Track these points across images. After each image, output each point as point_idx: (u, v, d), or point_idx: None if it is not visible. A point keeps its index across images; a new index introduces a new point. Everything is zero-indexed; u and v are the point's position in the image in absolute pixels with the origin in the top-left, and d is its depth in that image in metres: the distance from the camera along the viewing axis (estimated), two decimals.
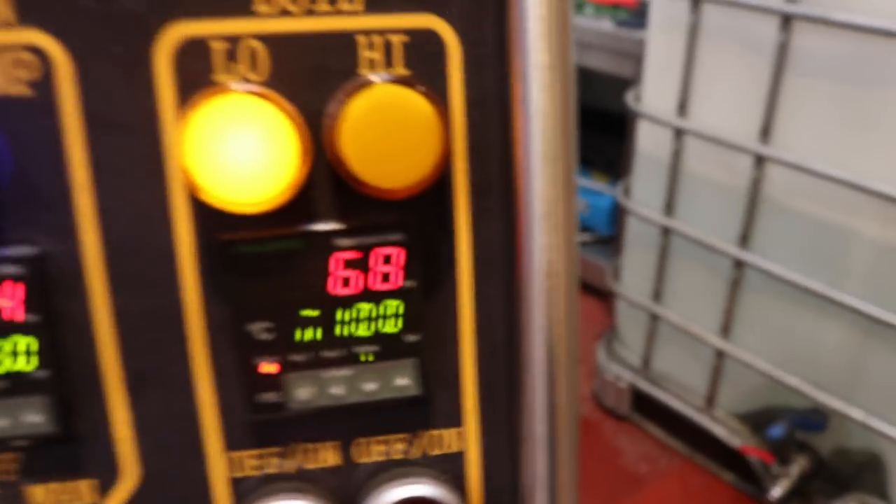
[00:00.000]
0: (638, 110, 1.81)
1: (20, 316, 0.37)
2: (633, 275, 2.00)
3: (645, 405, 2.00)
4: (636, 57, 1.92)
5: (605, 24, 2.15)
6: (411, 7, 0.37)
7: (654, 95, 1.84)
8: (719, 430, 1.82)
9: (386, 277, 0.39)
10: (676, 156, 1.77)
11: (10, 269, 0.37)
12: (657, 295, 1.89)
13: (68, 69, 0.36)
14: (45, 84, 0.36)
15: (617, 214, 2.10)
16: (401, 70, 0.38)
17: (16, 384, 0.38)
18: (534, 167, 0.36)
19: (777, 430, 1.85)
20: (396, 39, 0.38)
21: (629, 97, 1.85)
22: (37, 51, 0.35)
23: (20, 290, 0.37)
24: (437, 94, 0.37)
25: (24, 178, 0.36)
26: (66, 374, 0.39)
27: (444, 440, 0.42)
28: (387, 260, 0.39)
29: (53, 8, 0.35)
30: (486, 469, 0.43)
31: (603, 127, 2.65)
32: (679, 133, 1.74)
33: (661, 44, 1.83)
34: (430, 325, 0.40)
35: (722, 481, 1.84)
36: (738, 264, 1.70)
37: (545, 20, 0.34)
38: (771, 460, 1.81)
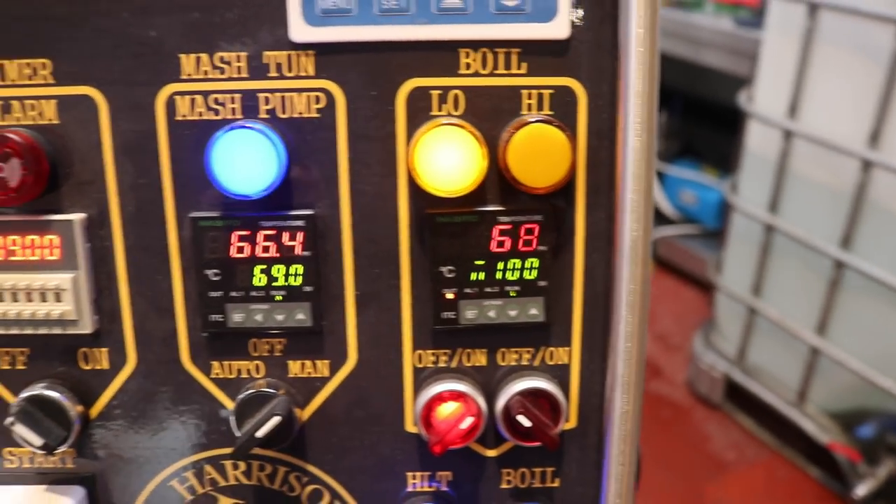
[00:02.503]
0: (749, 110, 2.02)
1: (299, 251, 0.67)
2: (735, 268, 2.22)
3: (737, 395, 2.23)
4: (753, 56, 2.12)
5: (725, 23, 2.35)
6: (557, 73, 0.65)
7: (766, 96, 2.05)
8: (809, 426, 2.02)
9: (528, 242, 0.66)
10: (784, 156, 1.98)
11: (296, 223, 0.66)
12: (757, 289, 2.11)
13: (343, 103, 0.65)
14: (328, 111, 0.65)
15: (723, 210, 2.32)
16: (547, 111, 0.65)
17: (290, 293, 0.68)
18: (627, 179, 0.62)
19: (867, 430, 2.03)
20: (546, 92, 0.65)
21: (742, 97, 2.06)
22: (326, 91, 0.65)
23: (300, 236, 0.66)
24: (569, 128, 0.65)
25: (308, 168, 0.66)
26: (321, 290, 0.68)
27: (557, 354, 0.70)
28: (529, 231, 0.67)
29: (337, 67, 0.64)
30: (582, 376, 0.70)
31: (716, 122, 2.85)
32: (788, 134, 1.95)
33: (777, 46, 2.03)
34: (555, 276, 0.68)
35: (807, 476, 2.04)
36: (839, 265, 1.90)
37: (640, 95, 0.61)
38: (858, 459, 1.98)
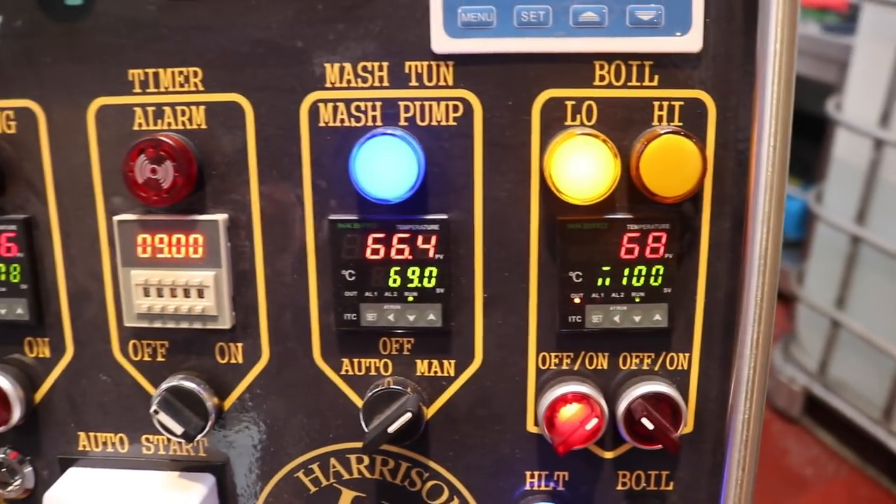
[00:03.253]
0: (838, 118, 2.02)
1: (432, 254, 0.71)
2: (818, 280, 2.22)
3: (817, 410, 2.22)
4: (840, 63, 2.12)
5: (811, 28, 2.35)
6: (688, 85, 0.68)
7: (855, 104, 2.05)
8: (894, 444, 2.01)
9: (655, 250, 0.70)
10: (874, 165, 1.98)
11: (431, 227, 0.70)
12: (840, 302, 2.11)
13: (480, 112, 0.69)
14: (465, 120, 0.69)
15: (806, 219, 2.32)
16: (677, 123, 0.69)
17: (422, 295, 0.72)
18: (760, 191, 0.65)
19: None
20: (676, 104, 0.68)
21: (830, 105, 2.06)
22: (464, 101, 0.69)
23: (434, 239, 0.70)
24: (699, 139, 0.68)
25: (444, 174, 0.70)
26: (451, 292, 0.72)
27: (677, 360, 0.73)
28: (656, 239, 0.70)
29: (475, 77, 0.68)
30: (700, 382, 0.73)
31: (799, 130, 2.84)
32: (879, 143, 1.95)
33: (869, 52, 2.03)
34: (678, 283, 0.71)
35: (891, 494, 2.03)
36: None
37: (776, 110, 0.64)
38: None
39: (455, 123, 0.68)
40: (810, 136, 2.40)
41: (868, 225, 1.99)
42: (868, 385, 2.07)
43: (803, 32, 2.43)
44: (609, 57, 0.67)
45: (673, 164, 0.66)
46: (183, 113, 0.70)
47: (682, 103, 0.67)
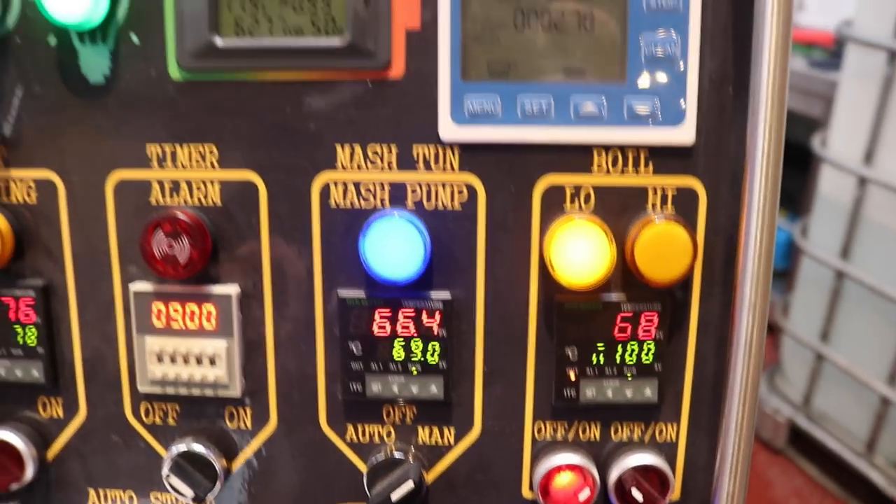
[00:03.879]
0: (823, 155, 2.08)
1: (436, 330, 0.75)
2: (803, 312, 2.27)
3: (801, 441, 2.28)
4: (825, 98, 2.18)
5: (798, 63, 2.41)
6: (680, 173, 0.73)
7: (840, 141, 2.11)
8: (877, 477, 2.07)
9: (647, 329, 0.74)
10: (858, 202, 2.03)
11: (435, 305, 0.74)
12: (825, 335, 2.16)
13: (484, 196, 0.73)
14: (470, 203, 0.73)
15: (792, 251, 2.37)
16: (670, 209, 0.73)
17: (426, 368, 0.76)
18: (746, 279, 0.70)
19: None
20: (670, 191, 0.73)
21: (815, 141, 2.12)
22: (469, 185, 0.73)
23: (438, 316, 0.75)
24: (690, 225, 0.73)
25: (449, 255, 0.74)
26: (453, 366, 0.76)
27: (666, 431, 0.78)
28: (648, 319, 0.74)
29: (480, 163, 0.73)
30: (688, 452, 0.78)
31: (786, 162, 2.90)
32: (863, 181, 2.01)
33: (854, 91, 2.09)
34: (668, 360, 0.75)
35: None
36: None
37: (763, 203, 0.68)
38: None
39: (460, 207, 0.73)
40: (797, 166, 2.46)
41: (852, 260, 2.04)
42: (852, 417, 2.13)
43: (790, 67, 2.49)
44: (607, 146, 0.71)
45: (666, 251, 0.70)
46: (199, 189, 0.74)
47: (675, 191, 0.72)
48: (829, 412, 2.19)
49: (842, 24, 1.99)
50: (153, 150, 0.74)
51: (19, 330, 0.78)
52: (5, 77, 0.75)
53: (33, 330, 0.78)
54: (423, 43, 0.70)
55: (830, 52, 2.40)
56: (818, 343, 2.13)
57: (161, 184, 0.74)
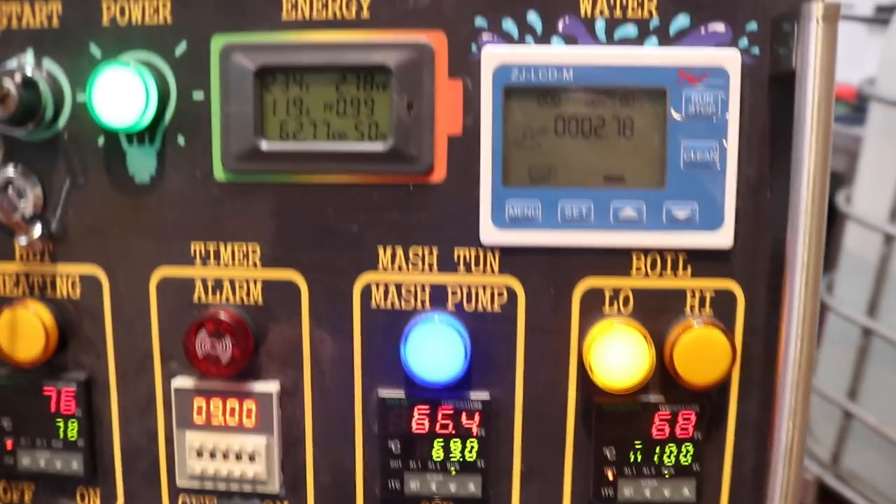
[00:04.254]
0: (848, 212, 2.08)
1: (475, 430, 0.76)
2: (830, 370, 2.26)
3: (830, 501, 2.25)
4: (849, 152, 2.18)
5: None
6: (719, 276, 0.74)
7: (865, 198, 2.10)
8: None
9: (685, 429, 0.75)
10: (885, 260, 2.03)
11: (473, 405, 0.75)
12: (853, 393, 2.15)
13: (524, 299, 0.74)
14: (510, 305, 0.74)
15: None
16: (708, 311, 0.74)
17: (464, 467, 0.77)
18: (787, 380, 0.71)
19: None
20: (708, 293, 0.74)
21: (840, 197, 2.12)
22: (509, 288, 0.74)
23: (477, 416, 0.76)
24: (728, 327, 0.73)
25: (488, 355, 0.75)
26: (491, 464, 0.77)
27: None
28: (686, 419, 0.75)
29: (520, 266, 0.74)
30: None
31: None
32: (889, 238, 2.00)
33: (878, 148, 2.09)
34: (706, 459, 0.76)
35: None
36: None
37: (804, 309, 0.69)
38: None
39: (500, 309, 0.74)
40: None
41: (879, 317, 2.03)
42: (881, 477, 2.10)
43: None
44: (646, 250, 0.72)
45: (705, 355, 0.71)
46: (241, 287, 0.75)
47: (713, 293, 0.73)
48: (858, 471, 2.17)
49: (864, 83, 2.00)
50: (197, 248, 0.76)
51: (60, 422, 0.79)
52: (54, 174, 0.77)
53: (74, 423, 0.79)
54: (464, 148, 0.72)
55: (853, 106, 2.41)
56: (846, 401, 2.12)
57: (204, 282, 0.76)
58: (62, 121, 0.76)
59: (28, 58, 0.75)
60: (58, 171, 0.77)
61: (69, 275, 0.78)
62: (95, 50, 0.75)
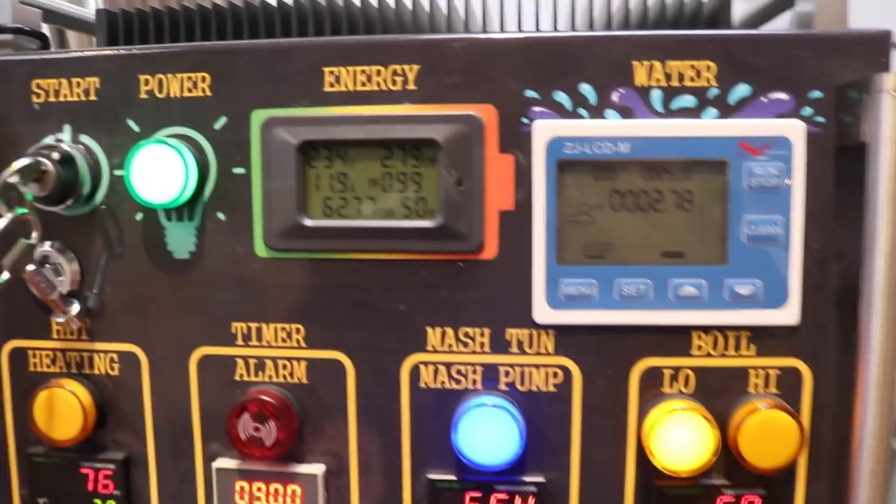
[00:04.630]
0: None
1: None
2: None
3: None
4: None
5: None
6: (784, 354, 0.70)
7: None
8: None
9: None
10: None
11: (527, 488, 0.72)
12: None
13: (579, 379, 0.71)
14: (565, 386, 0.71)
15: None
16: (773, 390, 0.71)
17: None
18: (864, 454, 0.67)
19: None
20: (773, 372, 0.71)
21: None
22: (563, 368, 0.71)
23: (531, 500, 0.73)
24: (795, 407, 0.70)
25: (542, 437, 0.72)
26: None
27: None
28: (750, 503, 0.72)
29: (575, 346, 0.71)
30: None
31: None
32: None
33: None
34: None
35: None
36: None
37: (879, 388, 0.66)
38: None
39: (554, 389, 0.71)
40: None
41: None
42: None
43: None
44: (707, 328, 0.69)
45: (772, 438, 0.68)
46: (284, 367, 0.73)
47: (778, 372, 0.70)
48: None
49: None
50: (238, 327, 0.73)
51: (98, 502, 0.77)
52: (91, 250, 0.75)
53: (112, 502, 0.77)
54: (516, 224, 0.69)
55: None
56: None
57: (246, 360, 0.74)
58: (100, 196, 0.74)
59: (65, 134, 0.73)
60: (95, 246, 0.75)
61: (107, 352, 0.76)
62: (133, 125, 0.72)
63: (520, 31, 0.76)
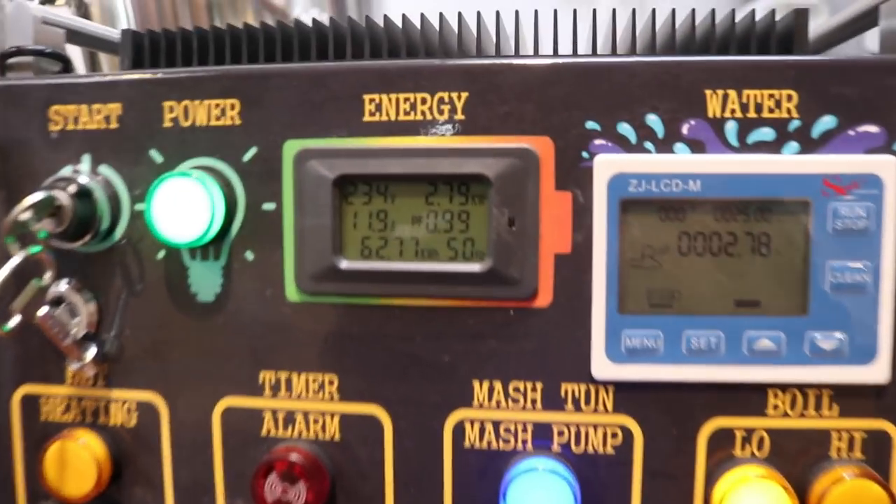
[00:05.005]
0: None
1: None
2: None
3: None
4: None
5: None
6: (870, 415, 0.63)
7: None
8: None
9: None
10: None
11: None
12: None
13: (641, 440, 0.64)
14: (624, 448, 0.64)
15: None
16: (858, 454, 0.63)
17: None
18: None
19: None
20: (857, 435, 0.63)
21: None
22: (623, 427, 0.64)
23: None
24: (882, 474, 0.62)
25: (598, 499, 0.65)
26: None
27: None
28: None
29: (637, 403, 0.63)
30: None
31: None
32: None
33: None
34: None
35: None
36: None
37: None
38: None
39: (613, 451, 0.64)
40: None
41: None
42: None
43: None
44: (784, 385, 0.62)
45: None
46: (316, 421, 0.66)
47: (864, 434, 0.62)
48: None
49: None
50: (266, 377, 0.67)
51: None
52: (109, 290, 0.69)
53: None
54: (574, 269, 0.62)
55: None
56: None
57: (274, 413, 0.67)
58: (119, 231, 0.68)
59: (84, 164, 0.67)
60: (114, 286, 0.69)
61: (125, 401, 0.69)
62: (156, 155, 0.66)
63: (576, 55, 0.69)
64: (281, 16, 1.60)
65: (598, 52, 0.76)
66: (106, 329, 0.70)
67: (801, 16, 0.67)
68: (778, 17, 0.68)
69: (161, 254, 0.68)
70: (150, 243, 0.67)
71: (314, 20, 0.71)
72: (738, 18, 0.68)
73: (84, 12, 1.21)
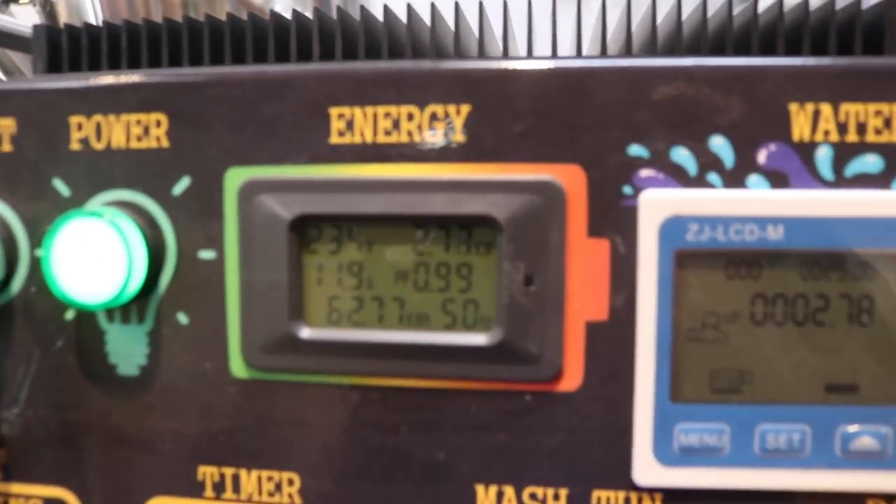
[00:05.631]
0: None
1: None
2: None
3: None
4: None
5: None
6: None
7: None
8: None
9: None
10: None
11: None
12: None
13: None
14: None
15: None
16: None
17: None
18: None
19: None
20: None
21: None
22: None
23: None
24: None
25: None
26: None
27: None
28: None
29: None
30: None
31: None
32: None
33: None
34: None
35: None
36: None
37: None
38: None
39: None
40: None
41: None
42: None
43: None
44: (890, 497, 0.46)
45: None
46: None
47: None
48: None
49: None
50: (207, 472, 0.51)
51: None
52: (7, 359, 0.52)
53: None
54: (611, 342, 0.46)
55: None
56: None
57: None
58: (17, 283, 0.51)
59: None
60: (12, 355, 0.53)
61: (28, 497, 0.53)
62: (61, 186, 0.50)
63: (605, 55, 0.53)
64: (259, 13, 1.43)
65: (634, 51, 0.59)
66: (5, 406, 0.53)
67: (893, 7, 0.51)
68: (864, 5, 0.51)
69: (69, 314, 0.51)
70: (56, 300, 0.51)
71: (271, 11, 0.54)
72: (812, 7, 0.51)
73: (50, 11, 1.05)
